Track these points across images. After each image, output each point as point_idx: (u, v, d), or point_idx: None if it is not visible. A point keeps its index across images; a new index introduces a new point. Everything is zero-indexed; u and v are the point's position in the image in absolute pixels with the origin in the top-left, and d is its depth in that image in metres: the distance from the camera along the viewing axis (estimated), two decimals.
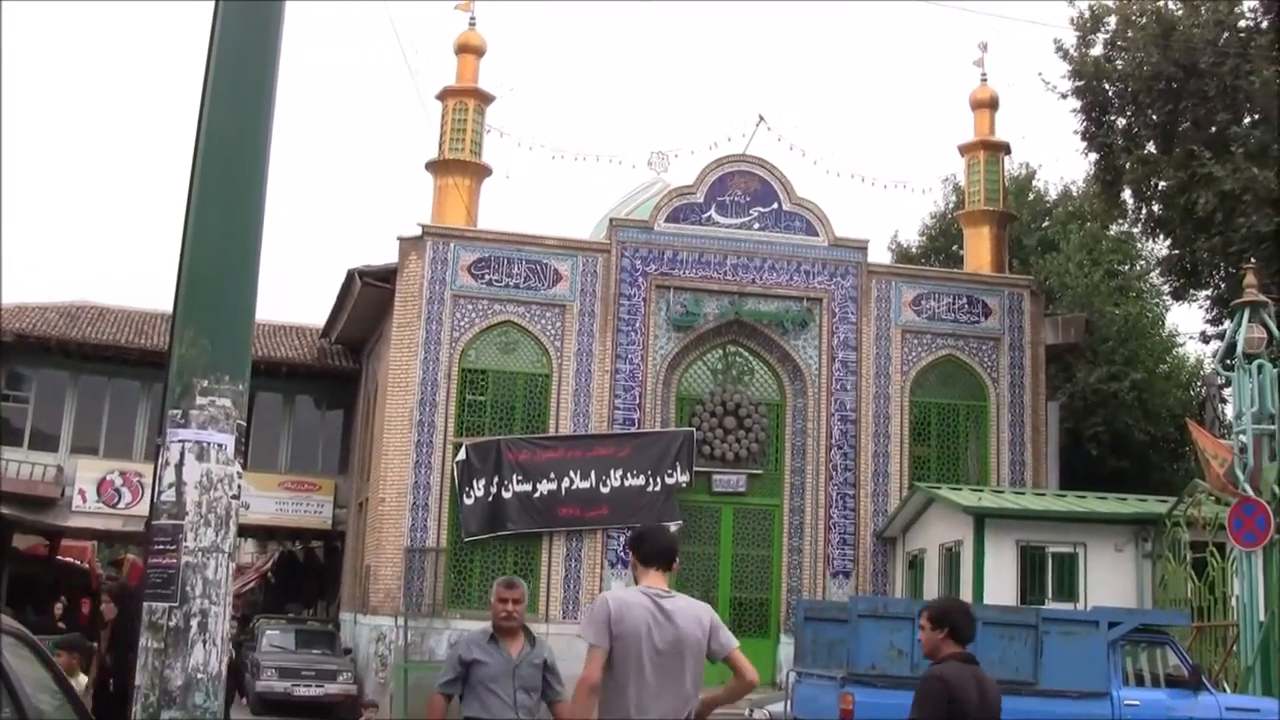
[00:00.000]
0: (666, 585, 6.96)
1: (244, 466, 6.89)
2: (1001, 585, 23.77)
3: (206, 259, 6.82)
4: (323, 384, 35.47)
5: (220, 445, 6.59)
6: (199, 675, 6.29)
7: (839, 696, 15.84)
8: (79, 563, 44.25)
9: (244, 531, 41.16)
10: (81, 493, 32.49)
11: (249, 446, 32.99)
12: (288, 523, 34.88)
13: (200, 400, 6.56)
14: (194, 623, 6.33)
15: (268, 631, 28.83)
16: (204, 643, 6.34)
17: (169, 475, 6.50)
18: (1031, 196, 41.56)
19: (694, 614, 6.88)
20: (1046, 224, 40.66)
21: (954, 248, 40.20)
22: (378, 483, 27.48)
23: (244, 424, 6.77)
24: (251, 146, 7.05)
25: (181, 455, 6.51)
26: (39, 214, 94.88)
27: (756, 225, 29.11)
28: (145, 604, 6.42)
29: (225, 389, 6.63)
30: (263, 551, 51.63)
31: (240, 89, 7.08)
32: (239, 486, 6.72)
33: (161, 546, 6.44)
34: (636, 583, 7.02)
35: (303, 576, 41.39)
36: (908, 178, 69.65)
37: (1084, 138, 28.80)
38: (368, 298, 29.47)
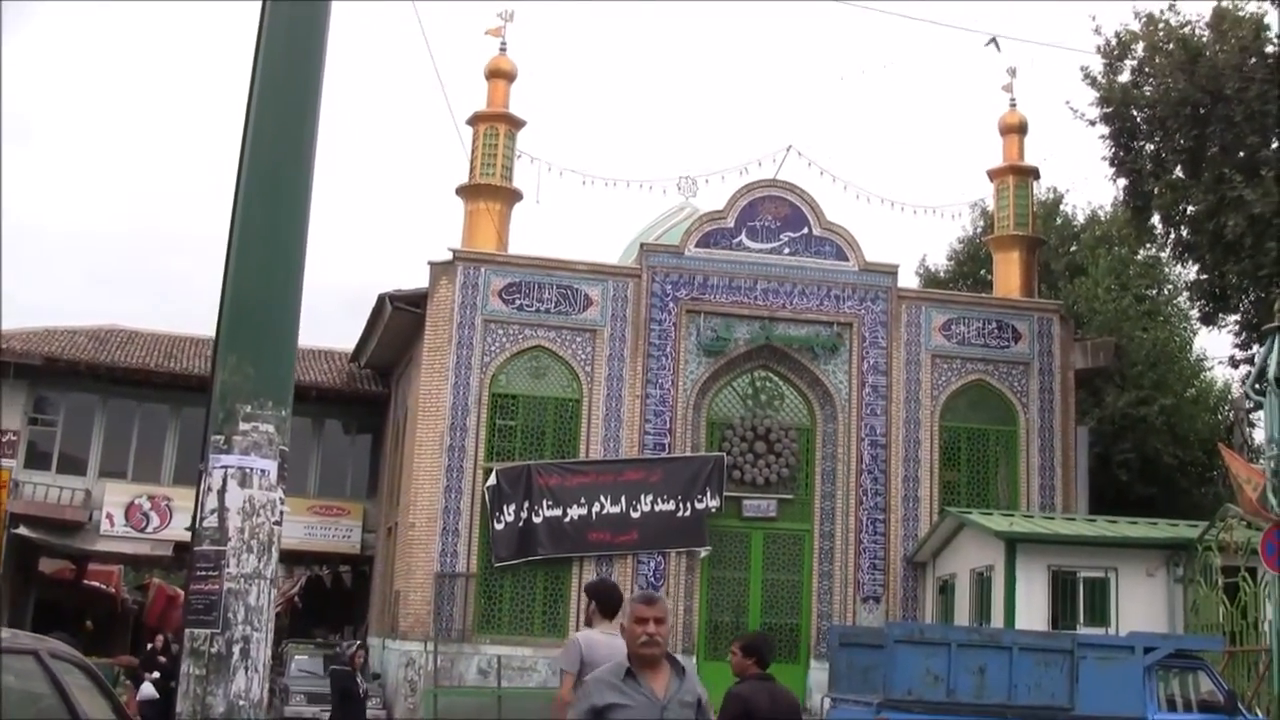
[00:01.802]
0: (614, 629, 8.59)
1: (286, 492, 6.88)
2: (1033, 610, 23.69)
3: (249, 285, 6.85)
4: (352, 408, 35.49)
5: (263, 471, 6.60)
6: (241, 701, 6.29)
7: None
8: (105, 587, 44.36)
9: None
10: (110, 516, 32.52)
11: None
12: (316, 547, 34.83)
13: (243, 426, 6.58)
14: (236, 649, 6.33)
15: (296, 657, 28.81)
16: (246, 669, 6.35)
17: (211, 501, 6.51)
18: (1059, 221, 41.47)
19: None
20: (1074, 248, 40.57)
21: (981, 272, 40.14)
22: (408, 507, 27.48)
23: (287, 449, 6.77)
24: (294, 174, 7.08)
25: (224, 481, 6.52)
26: (69, 238, 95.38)
27: (787, 250, 29.10)
28: (187, 630, 6.42)
29: (268, 415, 6.64)
30: (289, 576, 51.58)
31: (283, 115, 7.10)
32: (281, 513, 6.72)
33: (204, 572, 6.44)
34: (590, 624, 9.14)
35: (329, 601, 41.39)
36: (936, 203, 69.46)
37: (1112, 164, 28.72)
38: (398, 322, 29.52)
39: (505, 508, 26.84)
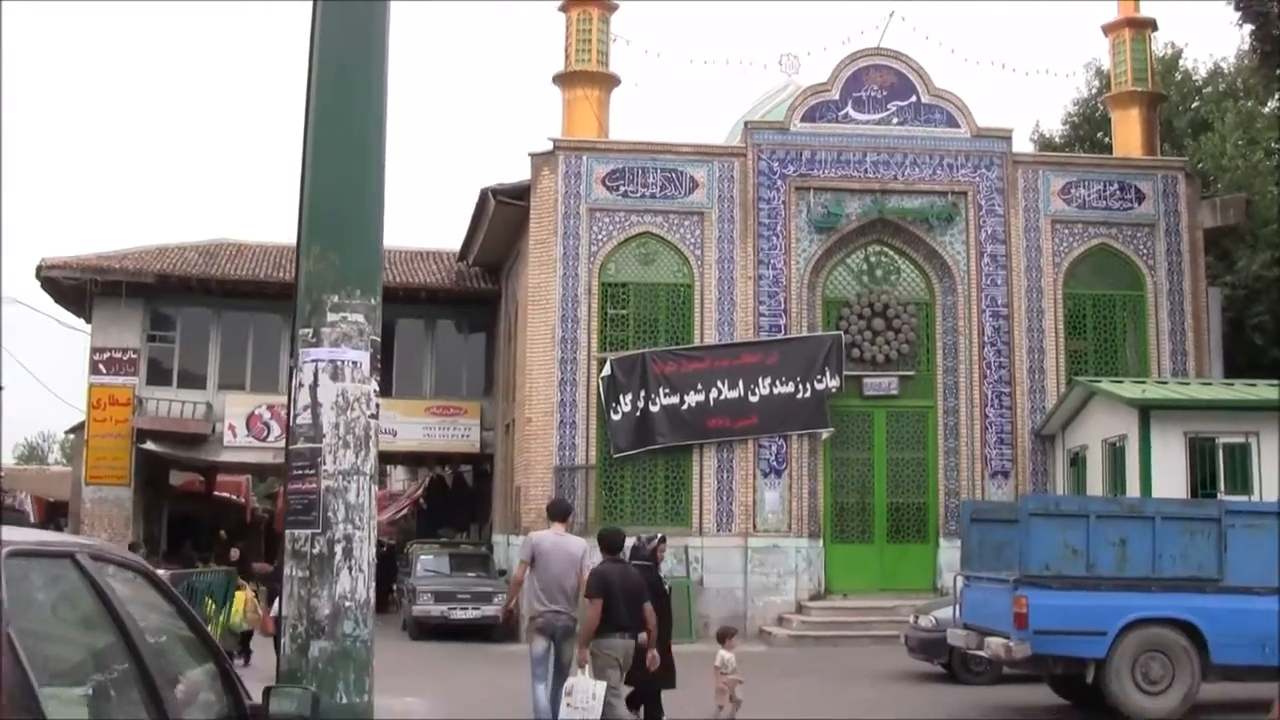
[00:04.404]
0: (563, 529, 13.68)
1: (382, 386, 6.46)
2: (1170, 478, 22.84)
3: (328, 172, 6.39)
4: (463, 308, 35.39)
5: (355, 363, 6.19)
6: (347, 603, 5.97)
7: (1012, 600, 15.20)
8: (234, 497, 44.97)
9: (393, 459, 41.44)
10: (231, 428, 32.89)
11: (393, 374, 33.05)
12: (436, 448, 35.00)
13: (331, 317, 6.17)
14: (338, 549, 5.99)
15: (421, 556, 28.89)
16: (350, 569, 6.00)
17: (304, 397, 6.14)
18: (1179, 76, 39.93)
19: (576, 544, 13.57)
20: (1197, 104, 39.08)
21: (1099, 135, 38.87)
22: (524, 403, 27.27)
23: (378, 339, 6.36)
24: (368, 52, 6.59)
25: (315, 375, 6.14)
26: (175, 155, 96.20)
27: (895, 120, 28.22)
28: (287, 531, 6.09)
29: (357, 304, 6.22)
30: (413, 478, 52.01)
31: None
32: (377, 405, 6.31)
33: (300, 472, 6.11)
34: (549, 528, 13.86)
35: (453, 501, 41.57)
36: (1049, 64, 67.50)
37: (1238, 8, 27.47)
38: (502, 217, 29.14)
39: (622, 398, 26.52)
